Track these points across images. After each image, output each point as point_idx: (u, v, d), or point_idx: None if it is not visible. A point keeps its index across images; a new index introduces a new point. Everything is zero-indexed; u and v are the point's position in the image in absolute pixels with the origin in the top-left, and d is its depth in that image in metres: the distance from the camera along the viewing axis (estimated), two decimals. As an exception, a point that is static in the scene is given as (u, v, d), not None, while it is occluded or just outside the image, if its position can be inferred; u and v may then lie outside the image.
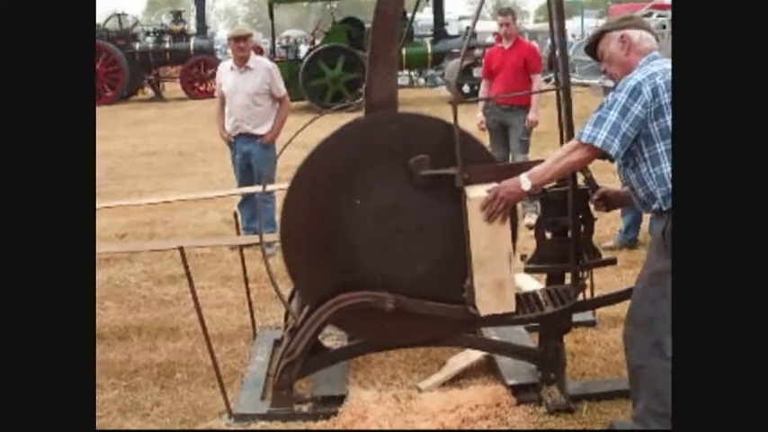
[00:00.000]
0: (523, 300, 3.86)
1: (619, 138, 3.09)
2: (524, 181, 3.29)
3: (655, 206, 3.18)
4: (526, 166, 3.52)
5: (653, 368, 3.28)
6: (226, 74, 6.72)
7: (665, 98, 3.07)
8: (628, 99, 3.10)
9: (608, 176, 4.83)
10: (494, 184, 3.48)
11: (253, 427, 3.80)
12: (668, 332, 3.25)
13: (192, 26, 25.91)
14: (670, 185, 3.08)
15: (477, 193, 3.47)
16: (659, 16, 17.74)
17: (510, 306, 3.60)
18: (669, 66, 3.17)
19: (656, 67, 3.18)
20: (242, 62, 6.59)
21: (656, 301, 3.24)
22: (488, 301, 3.58)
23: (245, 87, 6.57)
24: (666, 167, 3.11)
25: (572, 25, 33.39)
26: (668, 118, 3.07)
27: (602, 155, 3.14)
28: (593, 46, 3.52)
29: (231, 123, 6.66)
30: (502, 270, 3.51)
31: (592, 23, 27.96)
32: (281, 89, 6.76)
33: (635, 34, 3.35)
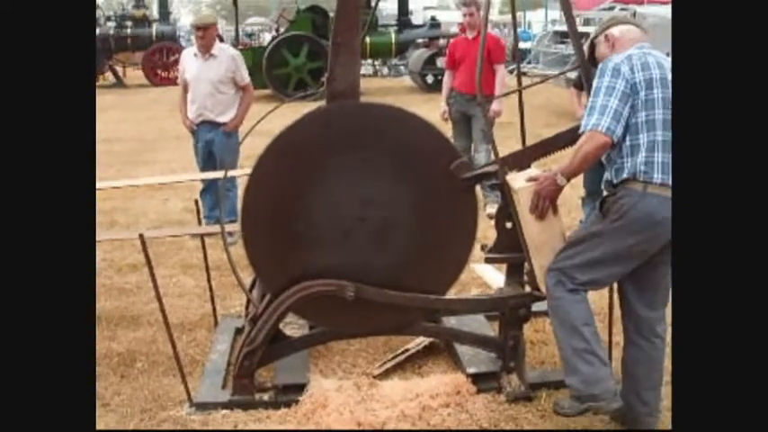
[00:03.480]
0: None
1: (616, 119, 3.23)
2: (559, 178, 3.42)
3: (623, 177, 3.30)
4: (553, 140, 3.76)
5: (561, 302, 3.40)
6: (189, 61, 6.65)
7: (639, 76, 3.26)
8: (611, 79, 3.27)
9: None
10: (533, 171, 3.68)
11: (214, 415, 3.80)
12: (575, 269, 3.36)
13: (154, 12, 25.55)
14: (634, 160, 3.25)
15: (520, 183, 3.59)
16: (622, 9, 17.88)
17: None
18: (651, 51, 3.38)
19: (635, 51, 3.36)
20: (205, 49, 6.54)
21: (582, 250, 3.39)
22: None
23: (208, 75, 6.51)
24: (633, 140, 3.26)
25: (537, 17, 33.57)
26: (641, 94, 3.25)
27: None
28: (592, 57, 3.71)
29: (194, 111, 6.60)
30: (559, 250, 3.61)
31: (557, 15, 28.07)
32: (245, 77, 6.71)
33: (616, 30, 3.57)
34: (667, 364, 3.61)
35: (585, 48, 3.76)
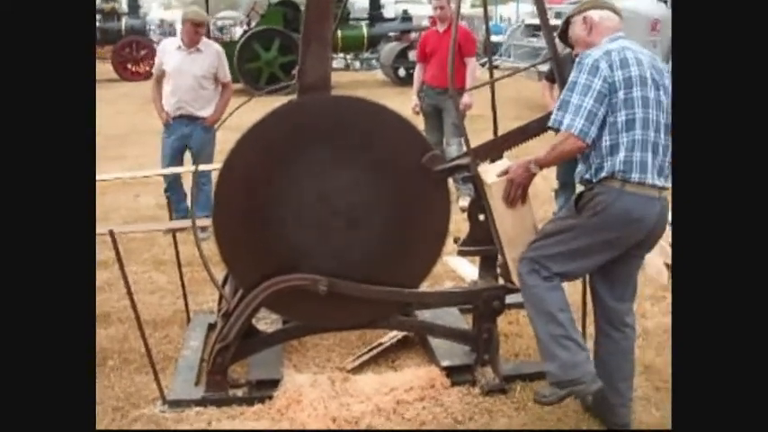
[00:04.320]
0: None
1: (590, 120, 3.21)
2: (533, 166, 3.45)
3: (602, 175, 3.28)
4: (523, 130, 3.83)
5: (536, 290, 3.42)
6: (171, 53, 6.55)
7: (619, 75, 3.22)
8: (587, 77, 3.23)
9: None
10: (504, 163, 3.67)
11: (187, 412, 3.77)
12: (549, 259, 3.38)
13: (123, 5, 25.26)
14: (614, 159, 3.23)
15: (492, 177, 3.59)
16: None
17: None
18: (628, 44, 3.34)
19: (614, 45, 3.32)
20: (193, 43, 6.48)
21: (556, 242, 3.40)
22: None
23: (192, 69, 6.45)
24: (613, 140, 3.24)
25: (508, 11, 33.60)
26: (620, 93, 3.21)
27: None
28: (565, 34, 3.66)
29: (173, 103, 6.51)
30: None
31: (528, 9, 28.12)
32: (228, 74, 6.70)
33: (596, 14, 3.49)
34: (638, 355, 3.65)
35: (559, 29, 3.73)
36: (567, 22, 3.62)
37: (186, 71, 6.45)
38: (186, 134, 6.56)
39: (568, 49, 3.83)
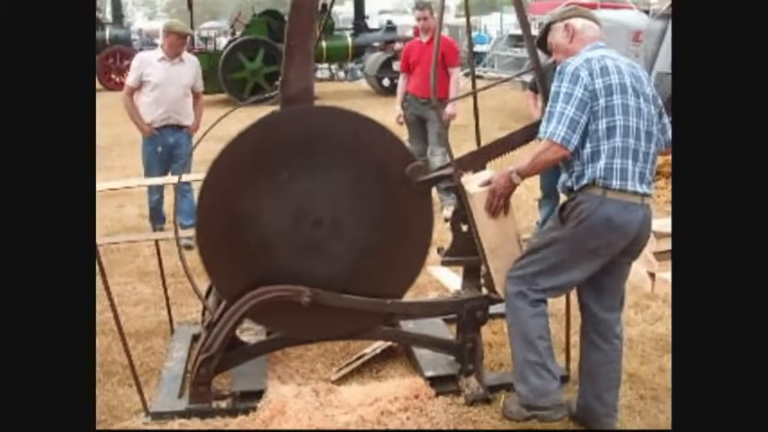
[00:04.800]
0: None
1: (572, 128, 3.22)
2: (515, 176, 3.44)
3: (583, 183, 3.29)
4: (507, 140, 3.81)
5: (521, 313, 3.42)
6: (153, 64, 6.59)
7: (599, 83, 3.24)
8: (569, 85, 3.25)
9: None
10: (487, 173, 3.67)
11: (170, 425, 3.75)
12: (537, 275, 3.38)
13: (107, 15, 25.17)
14: (595, 166, 3.24)
15: (474, 188, 3.60)
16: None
17: None
18: (607, 53, 3.37)
19: (594, 53, 3.34)
20: (177, 55, 6.58)
21: (542, 257, 3.40)
22: None
23: (179, 79, 6.57)
24: (594, 147, 3.26)
25: (491, 21, 33.77)
26: (601, 101, 3.23)
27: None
28: (543, 40, 3.66)
29: (160, 114, 6.56)
30: (513, 253, 3.63)
31: (512, 19, 28.24)
32: (201, 85, 6.92)
33: (578, 22, 3.52)
34: (623, 363, 3.66)
35: (538, 35, 3.75)
36: (547, 29, 3.63)
37: (174, 81, 6.56)
38: (172, 144, 6.62)
39: (551, 59, 3.85)
